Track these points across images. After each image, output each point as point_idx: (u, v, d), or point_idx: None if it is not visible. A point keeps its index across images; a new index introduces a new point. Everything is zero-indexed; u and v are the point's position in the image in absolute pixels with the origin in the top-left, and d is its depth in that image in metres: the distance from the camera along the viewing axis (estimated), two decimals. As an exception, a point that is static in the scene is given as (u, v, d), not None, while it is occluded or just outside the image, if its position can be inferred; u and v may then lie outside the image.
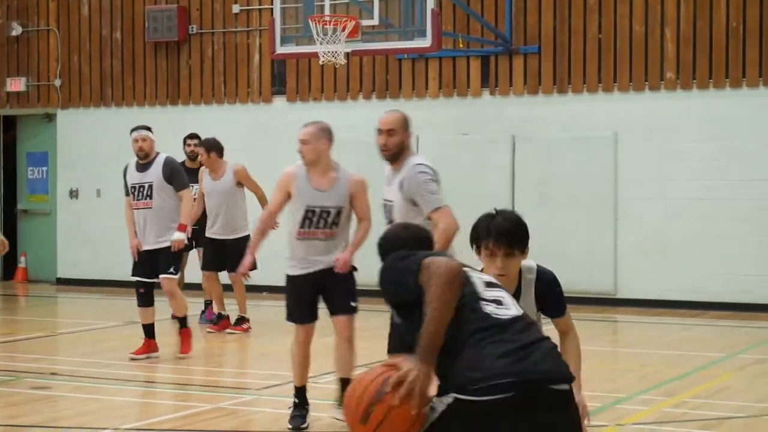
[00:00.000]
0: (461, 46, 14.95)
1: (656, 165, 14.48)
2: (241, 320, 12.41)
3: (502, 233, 4.70)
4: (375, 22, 13.49)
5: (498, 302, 4.19)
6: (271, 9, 14.56)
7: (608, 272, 14.69)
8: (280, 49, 14.05)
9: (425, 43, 13.32)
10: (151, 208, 10.44)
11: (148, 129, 10.75)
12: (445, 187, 16.19)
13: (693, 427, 7.70)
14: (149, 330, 10.52)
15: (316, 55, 13.46)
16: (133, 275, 10.55)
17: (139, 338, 10.58)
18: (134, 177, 10.58)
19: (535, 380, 3.93)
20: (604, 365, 10.43)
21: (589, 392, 8.79)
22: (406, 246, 4.46)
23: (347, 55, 13.62)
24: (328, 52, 13.20)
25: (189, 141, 13.68)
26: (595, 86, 14.83)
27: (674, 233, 14.27)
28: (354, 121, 15.68)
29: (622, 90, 14.69)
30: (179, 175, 10.62)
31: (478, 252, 4.75)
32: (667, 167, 14.40)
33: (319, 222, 7.71)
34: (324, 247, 7.69)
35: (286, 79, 16.52)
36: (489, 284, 4.28)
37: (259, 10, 16.61)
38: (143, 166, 10.59)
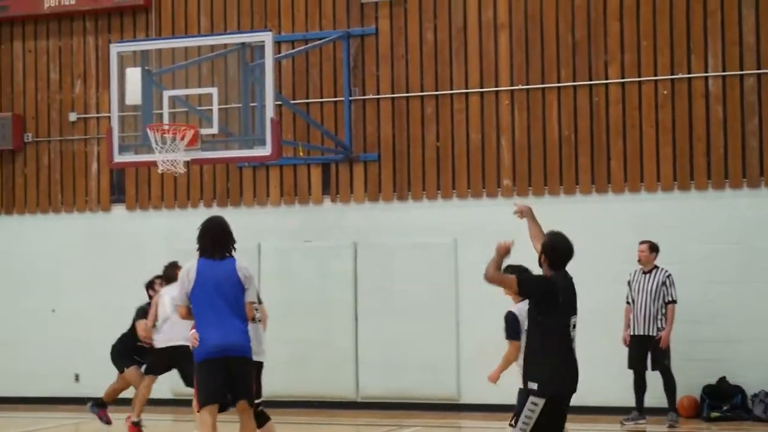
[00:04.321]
0: (302, 154, 15.03)
1: (495, 270, 14.67)
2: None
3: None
4: (215, 131, 13.48)
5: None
6: (109, 117, 14.40)
7: (451, 378, 14.76)
8: (119, 158, 13.91)
9: (265, 151, 13.36)
10: None
11: None
12: (289, 294, 15.97)
13: None
14: None
15: (154, 163, 13.36)
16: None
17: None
18: None
19: None
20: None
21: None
22: None
23: (187, 163, 13.55)
24: (167, 160, 13.11)
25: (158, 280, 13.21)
26: (434, 193, 15.04)
27: (514, 337, 14.41)
28: (194, 230, 15.57)
29: (461, 197, 14.94)
30: None
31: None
32: (506, 272, 14.59)
33: None
34: None
35: (125, 187, 16.32)
36: None
37: (97, 118, 16.42)
38: None
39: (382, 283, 15.02)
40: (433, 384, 14.79)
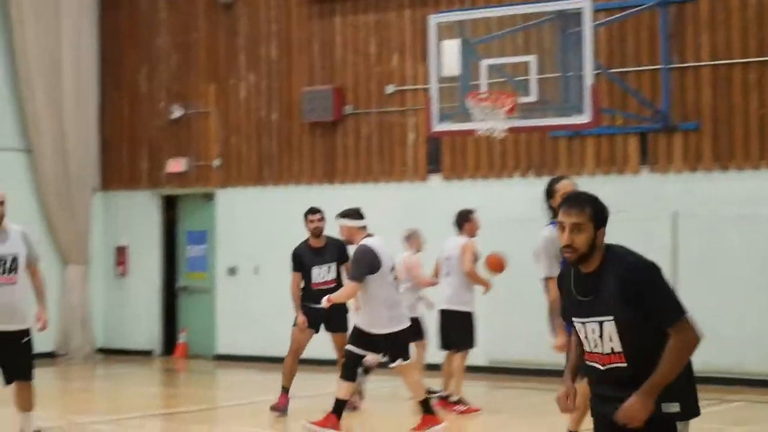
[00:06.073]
0: (619, 122, 14.80)
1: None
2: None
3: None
4: (533, 99, 13.47)
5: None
6: (425, 88, 14.65)
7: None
8: (438, 127, 14.13)
9: (584, 119, 13.25)
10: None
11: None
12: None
13: None
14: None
15: (472, 132, 13.51)
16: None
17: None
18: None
19: None
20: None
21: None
22: None
23: (503, 132, 13.62)
24: (487, 128, 13.26)
25: (311, 216, 12.57)
26: (757, 162, 14.49)
27: None
28: (511, 199, 15.68)
29: (787, 166, 14.34)
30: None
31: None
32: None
33: None
34: None
35: (441, 157, 16.57)
36: None
37: (413, 89, 16.73)
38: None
39: (704, 256, 14.58)
40: (754, 360, 14.28)
